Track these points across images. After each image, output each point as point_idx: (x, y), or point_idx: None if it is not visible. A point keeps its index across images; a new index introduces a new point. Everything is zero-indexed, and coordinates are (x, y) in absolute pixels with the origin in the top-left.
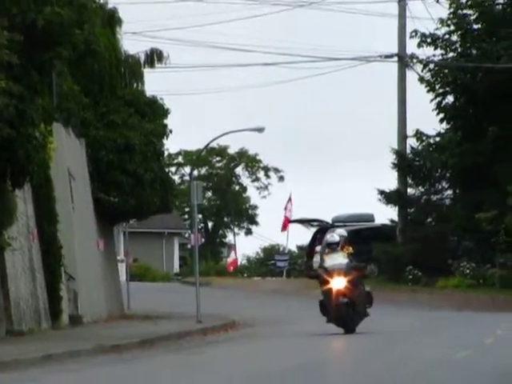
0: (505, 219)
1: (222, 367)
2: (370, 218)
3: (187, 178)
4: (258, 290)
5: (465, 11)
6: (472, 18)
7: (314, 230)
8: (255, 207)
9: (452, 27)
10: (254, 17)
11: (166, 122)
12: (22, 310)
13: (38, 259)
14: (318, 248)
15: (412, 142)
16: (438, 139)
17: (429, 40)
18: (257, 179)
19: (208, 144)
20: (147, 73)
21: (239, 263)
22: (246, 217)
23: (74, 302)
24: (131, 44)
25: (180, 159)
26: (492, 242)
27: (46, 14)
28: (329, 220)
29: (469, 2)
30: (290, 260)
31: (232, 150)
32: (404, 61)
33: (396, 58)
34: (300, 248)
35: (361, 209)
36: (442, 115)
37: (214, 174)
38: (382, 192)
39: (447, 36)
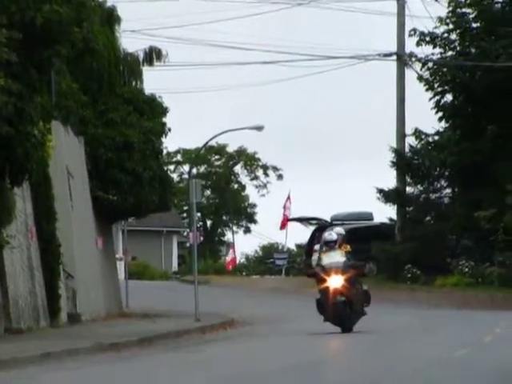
0: (503, 218)
1: (221, 365)
2: (368, 216)
3: (186, 176)
4: (256, 288)
5: (464, 10)
6: (471, 16)
7: (312, 228)
8: (254, 205)
9: (451, 26)
10: (253, 15)
11: (164, 120)
12: (20, 308)
13: (36, 257)
14: (317, 246)
15: (411, 141)
16: (436, 138)
17: (428, 38)
18: (256, 177)
19: (207, 142)
20: (146, 71)
21: (238, 261)
22: (244, 215)
23: (72, 300)
24: (130, 42)
25: (179, 157)
26: (491, 241)
27: (45, 11)
28: (328, 218)
29: (468, 1)
30: (289, 258)
31: (231, 149)
32: (403, 59)
33: (395, 57)
34: (299, 246)
35: (360, 207)
36: (440, 114)
37: (213, 173)
38: (380, 190)
39: (446, 34)
